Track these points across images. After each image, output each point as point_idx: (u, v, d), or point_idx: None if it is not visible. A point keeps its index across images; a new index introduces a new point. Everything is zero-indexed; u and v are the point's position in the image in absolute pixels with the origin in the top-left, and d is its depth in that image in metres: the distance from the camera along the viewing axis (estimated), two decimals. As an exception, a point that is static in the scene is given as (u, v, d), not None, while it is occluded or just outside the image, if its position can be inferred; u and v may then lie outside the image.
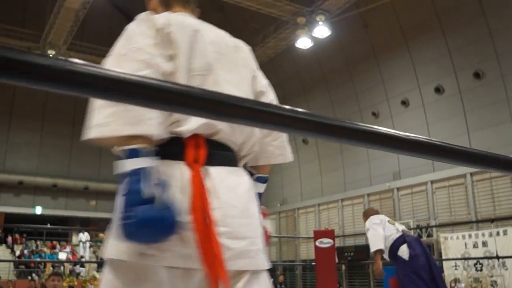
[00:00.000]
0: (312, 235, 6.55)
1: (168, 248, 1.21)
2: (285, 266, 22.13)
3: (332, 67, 19.63)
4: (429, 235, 15.11)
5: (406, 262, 4.28)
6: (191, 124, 1.31)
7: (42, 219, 22.65)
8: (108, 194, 24.97)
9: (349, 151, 19.43)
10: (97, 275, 18.17)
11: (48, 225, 19.04)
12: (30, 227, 25.65)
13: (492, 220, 12.30)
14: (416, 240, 4.53)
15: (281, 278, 17.23)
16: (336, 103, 19.86)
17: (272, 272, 21.70)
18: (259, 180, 1.63)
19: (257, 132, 1.48)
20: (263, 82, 1.62)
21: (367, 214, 5.08)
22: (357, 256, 17.68)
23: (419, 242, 4.52)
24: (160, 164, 1.27)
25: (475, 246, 12.79)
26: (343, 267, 18.16)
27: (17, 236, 21.62)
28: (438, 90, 15.75)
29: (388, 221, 4.60)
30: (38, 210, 22.99)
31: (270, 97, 1.63)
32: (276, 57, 20.50)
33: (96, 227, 26.33)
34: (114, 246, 1.24)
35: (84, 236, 20.54)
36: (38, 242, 22.52)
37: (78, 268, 19.11)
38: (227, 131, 1.37)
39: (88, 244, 20.46)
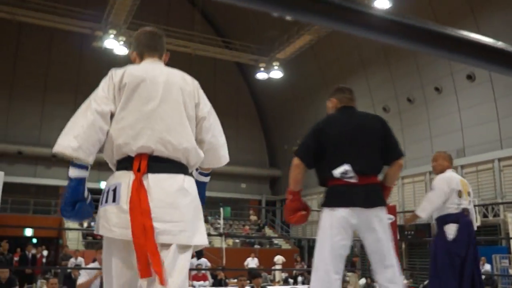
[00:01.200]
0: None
1: (117, 226, 1.88)
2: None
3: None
4: (496, 215, 14.53)
5: (447, 241, 4.03)
6: (135, 147, 1.94)
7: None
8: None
9: (410, 128, 18.89)
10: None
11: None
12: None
13: None
14: (469, 226, 4.13)
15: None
16: (396, 78, 19.27)
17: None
18: (202, 174, 2.27)
19: (190, 148, 2.01)
20: (204, 108, 2.16)
21: (442, 165, 4.42)
22: (417, 234, 17.33)
23: (471, 231, 4.14)
24: (118, 173, 2.00)
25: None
26: (403, 245, 17.84)
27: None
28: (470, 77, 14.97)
29: (459, 192, 4.15)
30: (103, 185, 23.92)
31: (210, 120, 2.20)
32: (334, 32, 20.08)
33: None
34: (97, 225, 2.03)
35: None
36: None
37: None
38: (161, 149, 1.94)
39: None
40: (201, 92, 2.18)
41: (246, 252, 17.85)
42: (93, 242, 19.92)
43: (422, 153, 18.26)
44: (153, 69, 2.08)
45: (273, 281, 15.35)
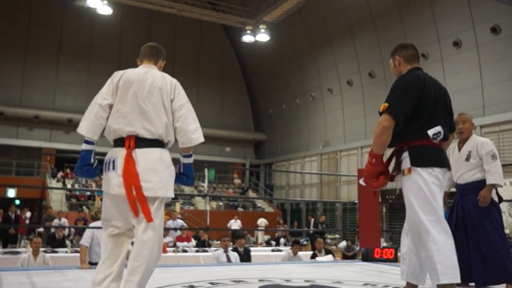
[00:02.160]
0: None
1: (116, 186, 2.67)
2: (325, 207, 22.37)
3: (381, 7, 18.83)
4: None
5: (496, 203, 3.98)
6: (126, 131, 2.72)
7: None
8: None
9: (395, 94, 18.93)
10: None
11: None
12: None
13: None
14: None
15: (322, 218, 17.45)
16: (383, 44, 19.17)
17: (313, 212, 22.03)
18: (184, 156, 2.90)
19: (163, 133, 2.76)
20: (178, 103, 2.82)
21: (472, 125, 4.14)
22: (399, 198, 17.63)
23: None
24: (115, 149, 2.77)
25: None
26: (384, 209, 18.18)
27: (68, 171, 22.55)
28: (494, 30, 14.90)
29: None
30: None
31: (181, 112, 2.81)
32: (323, -5, 19.83)
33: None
34: (103, 184, 2.81)
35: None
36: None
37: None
38: (143, 133, 2.72)
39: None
40: (177, 89, 2.87)
41: (229, 215, 18.04)
42: (77, 203, 19.94)
43: (406, 119, 18.40)
44: (144, 73, 2.85)
45: (256, 243, 15.60)
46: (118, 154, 2.71)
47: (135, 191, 2.61)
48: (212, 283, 3.86)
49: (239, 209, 22.16)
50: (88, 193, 21.16)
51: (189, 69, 26.35)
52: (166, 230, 12.60)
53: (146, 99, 2.75)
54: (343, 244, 13.00)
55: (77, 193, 20.79)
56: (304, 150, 24.39)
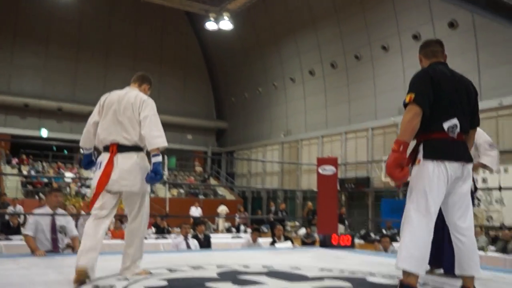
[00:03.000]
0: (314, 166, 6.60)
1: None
2: (286, 195, 22.60)
3: (343, -3, 19.04)
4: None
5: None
6: (109, 140, 3.41)
7: (47, 141, 22.95)
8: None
9: (355, 85, 19.24)
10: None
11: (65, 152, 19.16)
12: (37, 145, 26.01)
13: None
14: None
15: (282, 206, 17.61)
16: (345, 35, 19.41)
17: (273, 200, 22.20)
18: (152, 156, 3.38)
19: (137, 140, 3.44)
20: (142, 114, 3.42)
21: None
22: (358, 187, 18.03)
23: None
24: (104, 154, 3.45)
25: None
26: (343, 197, 18.53)
27: (23, 157, 21.94)
28: (452, 24, 15.32)
29: None
30: (44, 133, 23.18)
31: (145, 122, 3.41)
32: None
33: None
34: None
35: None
36: (44, 164, 22.88)
37: (83, 190, 19.56)
38: (122, 141, 3.39)
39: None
40: (145, 104, 3.46)
41: (190, 202, 17.98)
42: (33, 191, 19.44)
43: (366, 109, 18.74)
44: (124, 93, 3.54)
45: (216, 230, 15.63)
46: (105, 158, 3.43)
47: (99, 187, 3.39)
48: (170, 270, 3.86)
49: (200, 196, 22.12)
50: (45, 180, 20.66)
51: (152, 55, 25.97)
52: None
53: (122, 114, 3.44)
54: (302, 231, 13.18)
55: (33, 179, 20.28)
56: (265, 139, 24.51)
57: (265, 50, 23.83)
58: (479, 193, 12.74)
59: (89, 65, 24.76)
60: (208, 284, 3.20)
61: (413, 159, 2.80)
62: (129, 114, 3.42)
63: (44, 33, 23.90)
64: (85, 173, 21.85)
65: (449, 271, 3.83)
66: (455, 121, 2.82)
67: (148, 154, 3.45)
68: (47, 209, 5.38)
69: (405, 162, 2.69)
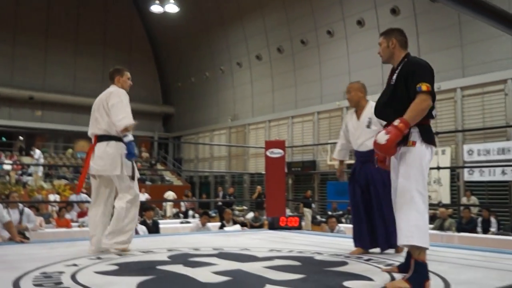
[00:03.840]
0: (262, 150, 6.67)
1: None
2: (234, 179, 22.71)
3: (289, -18, 19.12)
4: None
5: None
6: (90, 133, 4.14)
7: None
8: (55, 105, 24.28)
9: (302, 70, 19.47)
10: (45, 185, 18.05)
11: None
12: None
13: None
14: None
15: (231, 190, 17.71)
16: (291, 20, 19.55)
17: (221, 184, 22.22)
18: (122, 137, 3.99)
19: (109, 129, 4.00)
20: (109, 104, 3.99)
21: (366, 91, 4.28)
22: (304, 170, 18.36)
23: None
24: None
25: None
26: (290, 180, 18.83)
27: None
28: (394, 11, 15.75)
29: None
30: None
31: (112, 109, 3.98)
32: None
33: (44, 138, 25.80)
34: None
35: (38, 152, 20.16)
36: (-19, 151, 21.87)
37: (24, 178, 18.88)
38: (98, 132, 4.05)
39: (42, 160, 20.11)
40: (112, 95, 4.03)
41: (137, 189, 17.72)
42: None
43: (313, 94, 19.03)
44: (103, 93, 4.15)
45: (164, 216, 15.54)
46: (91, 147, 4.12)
47: (83, 171, 4.23)
48: (120, 254, 3.84)
49: (147, 182, 21.86)
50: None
51: (95, 38, 25.19)
52: (69, 205, 12.19)
53: (97, 109, 4.07)
54: (250, 215, 13.32)
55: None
56: (213, 124, 24.44)
57: (212, 34, 23.63)
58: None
59: (25, 47, 23.71)
60: (159, 267, 3.21)
61: (403, 141, 2.83)
62: (101, 107, 4.02)
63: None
64: (26, 160, 21.07)
65: (384, 248, 4.01)
66: (435, 111, 2.97)
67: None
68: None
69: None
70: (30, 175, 18.92)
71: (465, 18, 13.59)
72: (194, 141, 25.50)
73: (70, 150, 25.01)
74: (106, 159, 3.96)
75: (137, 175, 4.19)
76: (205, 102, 25.14)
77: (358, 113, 4.22)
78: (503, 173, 12.70)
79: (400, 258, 3.24)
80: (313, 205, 14.96)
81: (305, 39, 19.10)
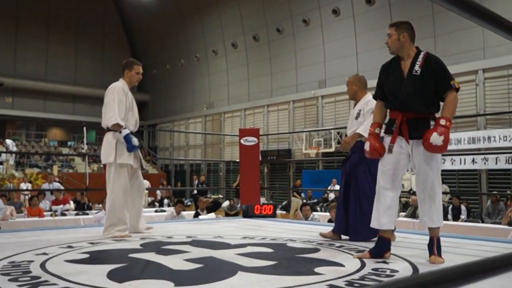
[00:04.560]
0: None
1: None
2: (209, 168, 22.67)
3: (266, -31, 19.02)
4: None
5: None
6: (129, 129, 4.42)
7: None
8: (26, 92, 23.77)
9: (277, 58, 19.46)
10: (16, 174, 17.72)
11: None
12: None
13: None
14: None
15: (202, 178, 17.67)
16: (267, 8, 19.49)
17: (197, 173, 22.18)
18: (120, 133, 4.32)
19: (103, 124, 4.36)
20: (104, 101, 4.36)
21: (363, 84, 4.33)
22: (280, 158, 18.43)
23: None
24: None
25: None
26: (266, 169, 18.89)
27: None
28: (369, 1, 15.84)
29: None
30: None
31: (104, 107, 4.38)
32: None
33: (15, 126, 25.27)
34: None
35: (10, 141, 19.76)
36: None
37: (-6, 165, 18.50)
38: (133, 129, 4.53)
39: (14, 148, 19.73)
40: (107, 91, 4.38)
41: (111, 177, 17.55)
42: None
43: (288, 82, 19.07)
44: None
45: (139, 205, 15.43)
46: None
47: None
48: (92, 243, 3.81)
49: (122, 171, 21.63)
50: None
51: (67, 24, 24.68)
52: (42, 194, 12.00)
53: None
54: (226, 203, 13.34)
55: None
56: (188, 112, 24.30)
57: (187, 21, 23.41)
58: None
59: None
60: (131, 255, 3.20)
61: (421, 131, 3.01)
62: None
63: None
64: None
65: (355, 239, 4.05)
66: None
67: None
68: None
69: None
70: (0, 163, 18.55)
71: (438, 9, 13.77)
72: (170, 129, 25.34)
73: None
74: (104, 149, 4.33)
75: (140, 165, 4.59)
76: (181, 90, 24.95)
77: (355, 105, 4.32)
78: (473, 162, 12.98)
79: (371, 245, 3.30)
80: (302, 194, 14.99)
81: (280, 27, 19.08)
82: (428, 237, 3.12)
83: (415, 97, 3.02)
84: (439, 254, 3.05)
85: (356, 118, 4.19)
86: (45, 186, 11.70)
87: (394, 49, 3.17)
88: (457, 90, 3.00)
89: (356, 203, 4.09)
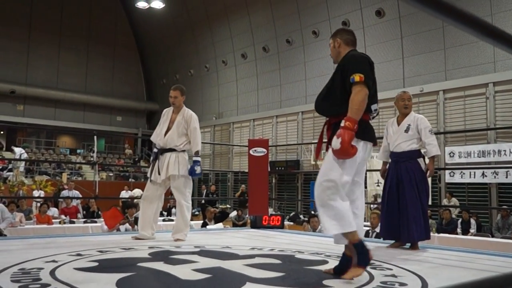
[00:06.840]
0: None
1: None
2: (217, 177, 22.68)
3: (276, -19, 19.15)
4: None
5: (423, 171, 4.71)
6: (159, 145, 5.27)
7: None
8: (37, 99, 23.98)
9: (287, 69, 19.52)
10: (26, 181, 17.83)
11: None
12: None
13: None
14: None
15: (213, 188, 17.68)
16: (277, 19, 19.58)
17: (205, 183, 22.19)
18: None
19: (177, 142, 5.32)
20: (195, 126, 5.64)
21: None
22: (288, 169, 18.41)
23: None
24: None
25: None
26: (274, 180, 18.87)
27: None
28: (379, 13, 15.87)
29: None
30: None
31: None
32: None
33: (25, 133, 25.47)
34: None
35: (19, 149, 19.92)
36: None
37: (5, 173, 18.63)
38: (163, 145, 5.30)
39: (24, 155, 19.89)
40: (194, 117, 5.83)
41: (120, 186, 17.63)
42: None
43: (297, 94, 19.10)
44: None
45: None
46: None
47: None
48: (101, 251, 3.82)
49: (131, 180, 21.72)
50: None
51: (79, 32, 24.94)
52: (50, 201, 12.07)
53: None
54: (233, 213, 13.32)
55: None
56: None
57: (198, 32, 23.57)
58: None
59: (7, 40, 23.37)
60: (140, 264, 3.21)
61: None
62: None
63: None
64: (7, 155, 20.80)
65: (405, 241, 4.45)
66: (376, 105, 2.99)
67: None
68: None
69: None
70: (11, 170, 18.69)
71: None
72: (178, 139, 25.36)
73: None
74: (180, 164, 5.24)
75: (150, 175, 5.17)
76: (190, 100, 25.01)
77: (400, 120, 4.68)
78: (483, 175, 12.89)
79: (390, 256, 3.28)
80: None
81: (290, 38, 19.15)
82: (442, 252, 3.10)
83: (323, 100, 2.99)
84: (360, 264, 2.70)
85: (406, 131, 4.57)
86: (65, 192, 11.73)
87: (334, 57, 3.15)
88: (362, 82, 2.74)
89: (404, 211, 4.39)
